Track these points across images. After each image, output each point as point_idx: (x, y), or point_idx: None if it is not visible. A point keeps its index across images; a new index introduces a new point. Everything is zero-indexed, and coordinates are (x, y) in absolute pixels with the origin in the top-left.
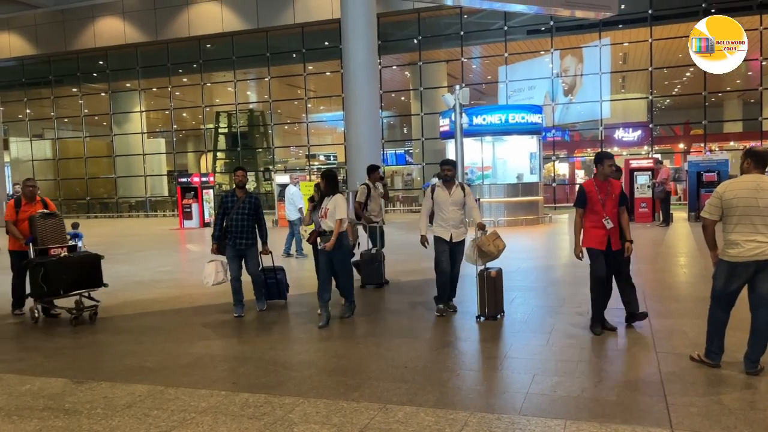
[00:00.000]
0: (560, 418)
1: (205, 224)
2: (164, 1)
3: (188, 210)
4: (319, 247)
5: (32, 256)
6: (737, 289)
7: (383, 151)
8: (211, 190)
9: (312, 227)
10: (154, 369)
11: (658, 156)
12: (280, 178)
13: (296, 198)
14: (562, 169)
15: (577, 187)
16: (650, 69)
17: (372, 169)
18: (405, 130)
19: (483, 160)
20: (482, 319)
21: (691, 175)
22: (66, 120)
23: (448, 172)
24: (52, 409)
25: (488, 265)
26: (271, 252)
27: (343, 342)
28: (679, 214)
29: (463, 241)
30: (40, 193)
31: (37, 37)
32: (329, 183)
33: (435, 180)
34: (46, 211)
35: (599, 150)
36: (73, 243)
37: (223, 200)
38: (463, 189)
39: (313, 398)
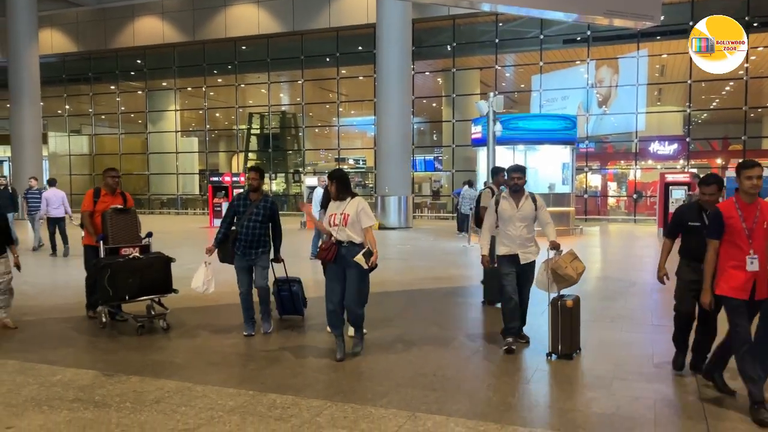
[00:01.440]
0: None
1: None
2: (202, 2)
3: (218, 209)
4: (366, 266)
5: (102, 255)
6: None
7: (413, 157)
8: (241, 190)
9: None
10: (182, 365)
11: (695, 170)
12: (310, 180)
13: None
14: (594, 180)
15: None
16: (689, 82)
17: (497, 171)
18: (435, 137)
19: None
20: (554, 357)
21: (729, 191)
22: (103, 117)
23: (518, 180)
24: (81, 401)
25: (563, 292)
26: (283, 260)
27: (370, 346)
28: None
29: (534, 263)
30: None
31: (78, 34)
32: (340, 185)
33: (465, 188)
34: (119, 206)
35: (635, 162)
36: (147, 242)
37: (233, 203)
38: (534, 201)
39: (340, 402)
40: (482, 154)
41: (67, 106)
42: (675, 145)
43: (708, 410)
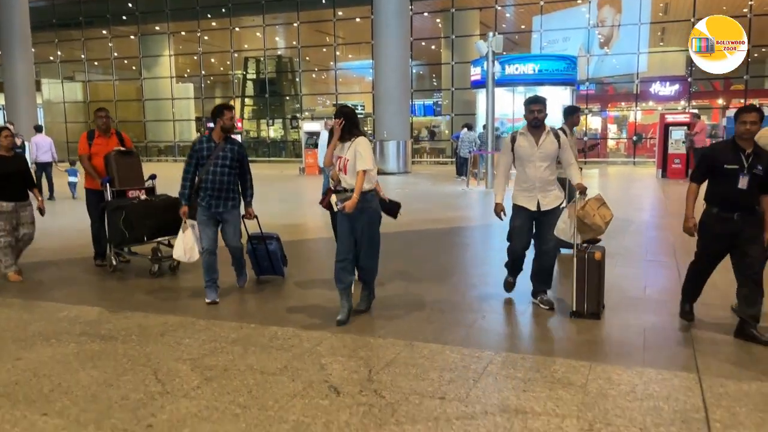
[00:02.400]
0: (586, 360)
1: None
2: None
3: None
4: (336, 209)
5: (109, 198)
6: None
7: (412, 101)
8: (238, 136)
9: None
10: (185, 303)
11: (695, 111)
12: (308, 126)
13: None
14: (594, 123)
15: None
16: (692, 20)
17: (571, 111)
18: (435, 81)
19: (514, 111)
20: (577, 316)
21: (729, 131)
22: (96, 63)
23: (538, 113)
24: (88, 335)
25: (594, 243)
26: (256, 216)
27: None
28: None
29: (556, 210)
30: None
31: None
32: (348, 122)
33: (464, 131)
34: (122, 148)
35: (635, 104)
36: (152, 185)
37: (195, 147)
38: (557, 137)
39: (340, 333)
40: (481, 96)
41: (59, 53)
42: (676, 86)
43: (696, 336)
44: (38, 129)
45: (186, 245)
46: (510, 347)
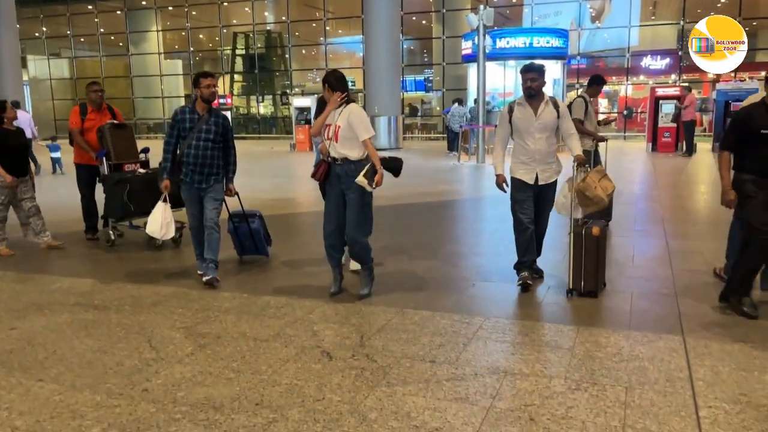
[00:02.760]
0: (574, 325)
1: None
2: None
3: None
4: (371, 188)
5: (106, 172)
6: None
7: (402, 77)
8: (228, 113)
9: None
10: (177, 274)
11: (686, 84)
12: (298, 102)
13: None
14: None
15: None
16: None
17: (596, 81)
18: (426, 57)
19: (505, 86)
20: (574, 294)
21: (719, 104)
22: (82, 39)
23: (532, 82)
24: (81, 305)
25: (587, 217)
26: (237, 193)
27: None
28: (703, 145)
29: (554, 183)
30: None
31: None
32: (338, 87)
33: (455, 106)
34: (115, 121)
35: (626, 78)
36: (146, 158)
37: (176, 118)
38: (556, 107)
39: (332, 302)
40: (472, 71)
41: (44, 28)
42: (667, 60)
43: (681, 301)
44: (16, 105)
45: (163, 220)
46: (500, 313)
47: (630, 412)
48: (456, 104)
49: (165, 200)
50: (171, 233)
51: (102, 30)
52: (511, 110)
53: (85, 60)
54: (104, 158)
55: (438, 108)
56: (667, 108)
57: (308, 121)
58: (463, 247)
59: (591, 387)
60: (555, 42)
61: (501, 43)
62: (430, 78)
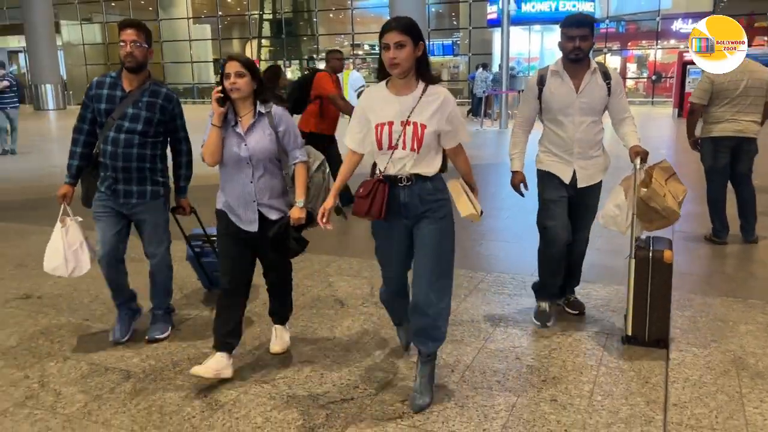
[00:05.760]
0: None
1: None
2: None
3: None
4: (473, 214)
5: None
6: (726, 164)
7: (429, 41)
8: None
9: None
10: None
11: None
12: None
13: (357, 84)
14: (613, 62)
15: None
16: None
17: None
18: (454, 20)
19: (530, 50)
20: (633, 343)
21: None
22: (113, 4)
23: (581, 41)
24: None
25: (654, 234)
26: (194, 210)
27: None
28: None
29: (599, 185)
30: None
31: None
32: (408, 35)
33: (479, 71)
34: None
35: (656, 42)
36: None
37: (88, 94)
38: (606, 77)
39: (347, 257)
40: (497, 35)
41: None
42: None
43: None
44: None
45: (66, 250)
46: (502, 269)
47: (606, 354)
48: (480, 69)
49: (66, 216)
50: (84, 267)
51: None
52: (542, 81)
53: (116, 25)
54: None
55: (465, 72)
56: (695, 73)
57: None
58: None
59: (575, 333)
60: (582, 6)
61: (526, 8)
62: (457, 42)
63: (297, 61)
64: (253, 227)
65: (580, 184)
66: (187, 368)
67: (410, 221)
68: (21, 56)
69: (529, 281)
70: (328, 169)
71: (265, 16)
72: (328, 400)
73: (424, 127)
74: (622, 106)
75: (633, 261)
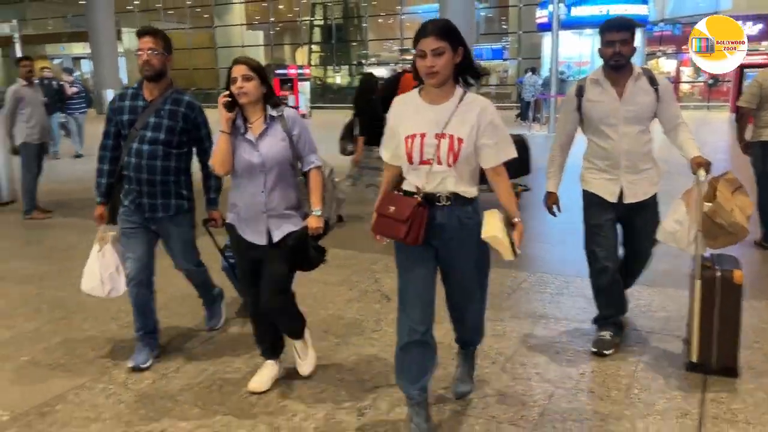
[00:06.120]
0: None
1: (300, 115)
2: None
3: (285, 101)
4: (517, 251)
5: None
6: None
7: (478, 44)
8: (306, 83)
9: None
10: None
11: None
12: (374, 72)
13: None
14: (667, 66)
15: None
16: None
17: None
18: (504, 24)
19: (581, 54)
20: (697, 370)
21: None
22: (170, 12)
23: (621, 46)
24: None
25: (720, 252)
26: (224, 219)
27: None
28: None
29: (651, 200)
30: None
31: None
32: (445, 38)
33: (528, 75)
34: None
35: None
36: None
37: (110, 107)
38: (653, 84)
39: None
40: (547, 39)
41: (136, 2)
42: (760, 26)
43: None
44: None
45: (102, 272)
46: (545, 270)
47: (645, 350)
48: (529, 73)
49: (103, 236)
50: (120, 289)
51: (188, 2)
52: (581, 92)
53: (174, 32)
54: None
55: (514, 77)
56: (753, 77)
57: None
58: (524, 214)
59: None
60: (634, 9)
61: (577, 11)
62: (507, 46)
63: (346, 67)
64: (261, 239)
65: (628, 200)
66: (244, 353)
67: (441, 243)
68: (84, 62)
69: (572, 282)
70: (336, 178)
71: (315, 23)
72: (374, 385)
73: (461, 141)
74: (673, 113)
75: (699, 282)
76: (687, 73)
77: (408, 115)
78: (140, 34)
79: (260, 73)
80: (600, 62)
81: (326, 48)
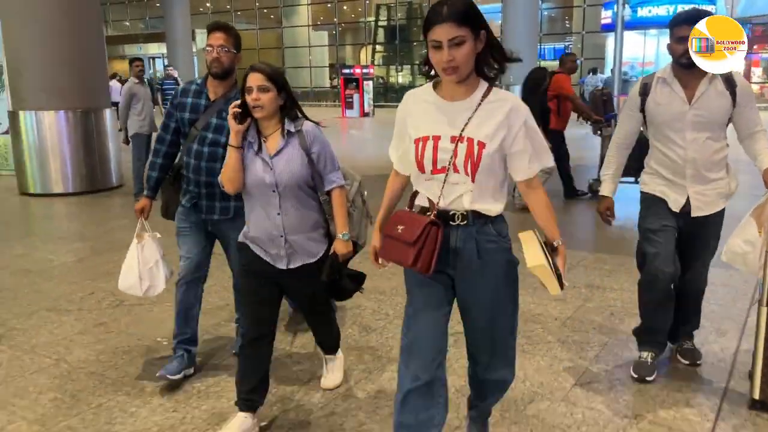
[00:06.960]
0: None
1: (364, 114)
2: None
3: (350, 100)
4: (551, 282)
5: None
6: None
7: (540, 45)
8: (370, 82)
9: None
10: None
11: None
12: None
13: None
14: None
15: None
16: None
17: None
18: (567, 24)
19: (645, 55)
20: (758, 408)
21: None
22: (239, 13)
23: (695, 41)
24: None
25: None
26: None
27: None
28: None
29: (720, 215)
30: None
31: None
32: (464, 22)
33: (589, 75)
34: None
35: None
36: None
37: (174, 102)
38: (731, 85)
39: None
40: (611, 40)
41: (208, 4)
42: None
43: None
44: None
45: (141, 268)
46: (604, 249)
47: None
48: (591, 73)
49: (143, 231)
50: (159, 287)
51: (257, 4)
52: (645, 91)
53: (243, 33)
54: None
55: (577, 77)
56: None
57: None
58: (583, 201)
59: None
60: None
61: (642, 12)
62: (570, 46)
63: (408, 66)
64: (282, 264)
65: (695, 213)
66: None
67: (456, 273)
68: (158, 61)
69: (628, 260)
70: (365, 192)
71: (380, 23)
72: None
73: (482, 145)
74: (751, 119)
75: (766, 309)
76: (757, 74)
77: (419, 114)
78: (211, 29)
79: (278, 81)
80: (665, 62)
81: (389, 48)
